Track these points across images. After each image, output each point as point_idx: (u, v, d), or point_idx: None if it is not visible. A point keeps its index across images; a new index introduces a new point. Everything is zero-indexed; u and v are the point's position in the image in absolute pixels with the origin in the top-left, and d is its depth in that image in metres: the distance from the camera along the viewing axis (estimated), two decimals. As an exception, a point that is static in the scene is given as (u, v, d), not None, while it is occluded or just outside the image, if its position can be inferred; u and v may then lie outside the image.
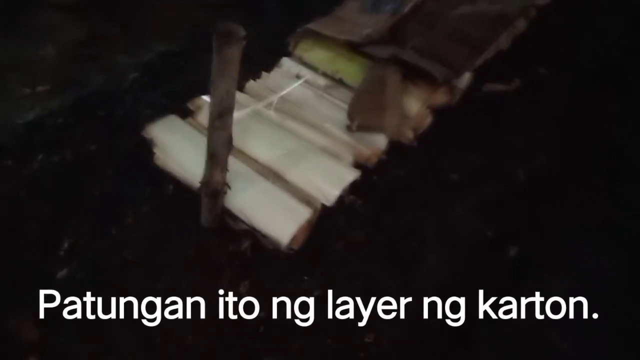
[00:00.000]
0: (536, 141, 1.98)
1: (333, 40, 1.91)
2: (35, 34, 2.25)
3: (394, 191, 1.73)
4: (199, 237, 1.56)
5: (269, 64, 2.05)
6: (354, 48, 1.90)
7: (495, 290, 1.55)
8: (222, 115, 1.33)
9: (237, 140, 1.62)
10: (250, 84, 1.85)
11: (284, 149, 1.62)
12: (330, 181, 1.58)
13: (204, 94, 1.91)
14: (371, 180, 1.73)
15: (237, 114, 1.66)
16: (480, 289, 1.56)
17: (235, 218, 1.55)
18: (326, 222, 1.60)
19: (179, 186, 1.64)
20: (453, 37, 1.97)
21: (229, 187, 1.50)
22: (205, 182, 1.46)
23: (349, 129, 1.74)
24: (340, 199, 1.63)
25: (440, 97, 1.87)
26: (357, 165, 1.71)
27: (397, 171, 1.77)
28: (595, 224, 1.81)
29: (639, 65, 2.30)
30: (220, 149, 1.39)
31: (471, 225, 1.72)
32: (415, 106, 1.79)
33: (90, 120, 1.89)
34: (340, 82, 1.89)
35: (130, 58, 2.21)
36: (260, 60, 2.08)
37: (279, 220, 1.49)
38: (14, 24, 2.27)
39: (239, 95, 1.77)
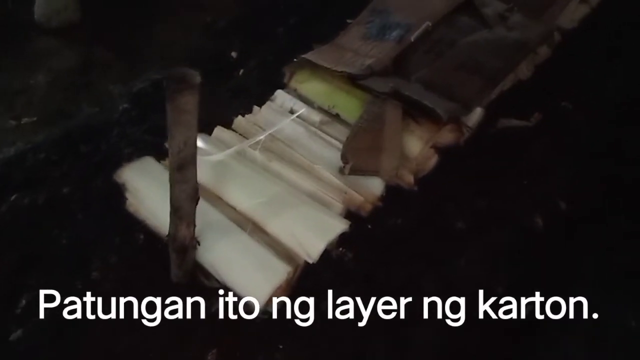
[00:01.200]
0: (556, 184, 1.77)
1: (330, 71, 1.74)
2: (26, 62, 2.17)
3: (390, 242, 1.56)
4: (168, 295, 1.41)
5: (265, 97, 1.90)
6: (353, 80, 1.73)
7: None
8: (182, 167, 1.19)
9: (215, 185, 1.49)
10: (239, 120, 1.71)
11: (266, 196, 1.47)
12: (314, 234, 1.41)
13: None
14: (364, 231, 1.56)
15: (218, 156, 1.54)
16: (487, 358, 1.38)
17: (207, 274, 1.40)
18: (310, 279, 1.44)
19: (150, 236, 1.50)
20: (464, 67, 1.79)
21: (198, 242, 1.35)
22: (172, 236, 1.32)
23: (341, 171, 1.57)
24: (327, 253, 1.47)
25: (447, 136, 1.69)
26: (349, 213, 1.54)
27: (394, 220, 1.60)
28: (621, 279, 1.59)
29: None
30: (183, 202, 1.25)
31: (477, 281, 1.53)
32: (417, 146, 1.62)
33: (72, 156, 1.78)
34: (336, 118, 1.73)
35: (124, 87, 2.10)
36: (255, 92, 1.95)
37: (254, 279, 1.33)
38: (5, 51, 2.19)
39: (225, 133, 1.64)
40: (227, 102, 1.91)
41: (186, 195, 1.24)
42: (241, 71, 2.05)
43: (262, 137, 1.62)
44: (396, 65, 1.83)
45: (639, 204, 1.78)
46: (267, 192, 1.49)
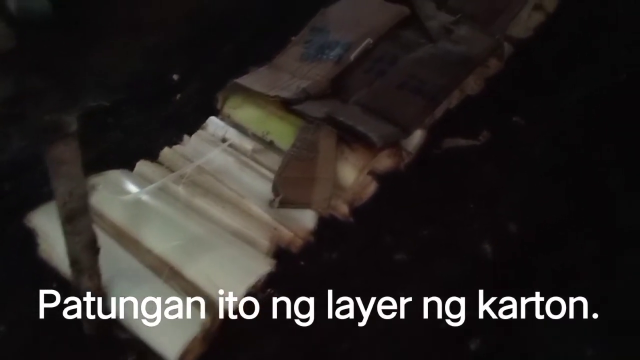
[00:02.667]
0: (507, 207, 1.67)
1: (264, 96, 1.65)
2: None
3: (324, 280, 1.46)
4: (79, 349, 1.32)
5: (201, 124, 1.80)
6: (288, 105, 1.64)
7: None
8: (71, 219, 1.09)
9: (131, 227, 1.39)
10: (165, 152, 1.62)
11: (185, 237, 1.37)
12: (234, 278, 1.32)
13: (121, 161, 1.69)
14: (295, 268, 1.46)
15: (135, 194, 1.44)
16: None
17: (122, 326, 1.30)
18: (232, 327, 1.34)
19: (64, 284, 1.40)
20: (405, 87, 1.69)
21: (105, 293, 1.26)
22: (74, 289, 1.22)
23: (271, 205, 1.48)
24: (252, 297, 1.37)
25: (385, 161, 1.59)
26: (278, 250, 1.44)
27: (329, 254, 1.50)
28: (579, 307, 1.49)
29: (635, 106, 1.96)
30: (80, 254, 1.16)
31: (421, 317, 1.43)
32: (352, 174, 1.52)
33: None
34: (271, 146, 1.64)
35: (57, 117, 2.00)
36: (191, 119, 1.85)
37: (166, 331, 1.24)
38: None
39: (148, 168, 1.55)
40: (160, 131, 1.81)
41: (82, 246, 1.14)
42: (178, 96, 1.95)
43: (186, 170, 1.52)
44: (335, 87, 1.73)
45: (599, 224, 1.68)
46: (186, 233, 1.39)
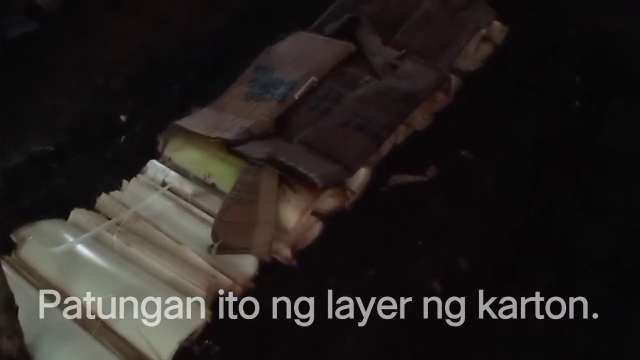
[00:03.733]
0: (456, 242, 1.64)
1: (206, 138, 1.61)
2: None
3: (265, 328, 1.41)
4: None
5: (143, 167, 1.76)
6: (229, 147, 1.60)
7: None
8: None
9: (61, 280, 1.34)
10: (102, 199, 1.57)
11: (118, 288, 1.32)
12: (166, 331, 1.26)
13: (61, 209, 1.64)
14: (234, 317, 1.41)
15: (66, 245, 1.39)
16: None
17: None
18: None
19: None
20: (349, 125, 1.67)
21: (28, 354, 1.20)
22: (-6, 350, 1.16)
23: (209, 251, 1.43)
24: (187, 351, 1.31)
25: (329, 202, 1.56)
26: (216, 299, 1.39)
27: (270, 301, 1.45)
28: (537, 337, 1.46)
29: (587, 135, 1.96)
30: (-4, 315, 1.10)
31: (368, 363, 1.39)
32: (294, 217, 1.49)
33: None
34: (213, 189, 1.60)
35: (1, 162, 1.95)
36: (134, 162, 1.80)
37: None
38: None
39: (82, 216, 1.50)
40: (102, 176, 1.76)
41: (-3, 307, 1.09)
42: (123, 138, 1.91)
43: (121, 217, 1.47)
44: (279, 126, 1.71)
45: (552, 253, 1.66)
46: (119, 284, 1.34)
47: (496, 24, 2.04)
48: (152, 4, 2.51)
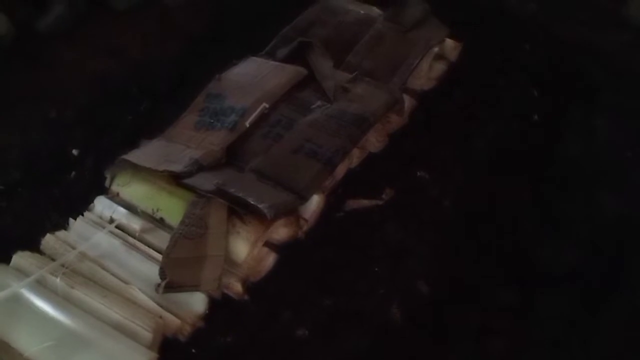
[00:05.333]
0: (414, 266, 1.62)
1: (153, 171, 1.57)
2: None
3: (216, 368, 1.37)
4: None
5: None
6: (178, 179, 1.57)
7: None
8: None
9: (1, 329, 1.28)
10: (47, 239, 1.52)
11: (60, 335, 1.27)
12: (110, 378, 1.21)
13: (5, 252, 1.58)
14: (187, 358, 1.37)
15: (8, 291, 1.34)
16: None
17: None
18: None
19: None
20: (301, 151, 1.65)
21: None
22: None
23: (156, 290, 1.39)
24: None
25: (281, 231, 1.53)
26: (164, 341, 1.35)
27: (222, 338, 1.41)
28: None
29: (546, 148, 1.96)
30: None
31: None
32: (244, 249, 1.45)
33: None
34: (161, 223, 1.55)
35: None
36: (82, 200, 1.75)
37: None
38: None
39: (25, 260, 1.45)
40: (48, 215, 1.71)
41: None
42: (73, 173, 1.86)
43: (66, 258, 1.43)
44: (230, 156, 1.67)
45: (514, 270, 1.65)
46: (61, 330, 1.29)
47: (449, 42, 2.03)
48: (106, 32, 2.47)
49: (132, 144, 1.84)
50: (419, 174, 1.79)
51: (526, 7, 2.50)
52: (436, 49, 1.97)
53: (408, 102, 1.86)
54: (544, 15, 2.47)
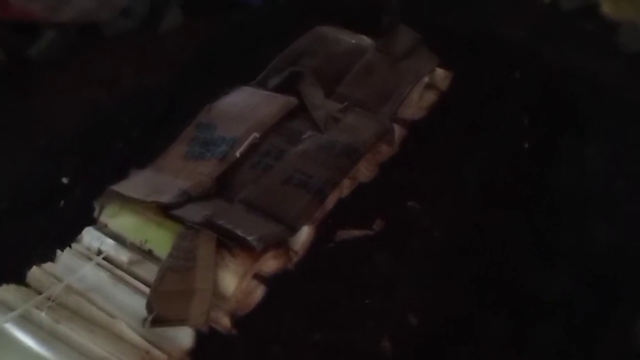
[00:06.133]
0: (405, 297, 1.60)
1: (142, 202, 1.56)
2: None
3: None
4: None
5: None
6: (166, 210, 1.55)
7: None
8: None
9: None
10: (33, 272, 1.50)
11: (43, 373, 1.24)
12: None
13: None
14: (172, 394, 1.34)
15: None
16: None
17: None
18: None
19: None
20: (291, 182, 1.64)
21: None
22: None
23: (143, 325, 1.37)
24: None
25: (271, 263, 1.51)
26: (150, 377, 1.32)
27: (208, 375, 1.39)
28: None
29: (537, 176, 1.96)
30: None
31: None
32: (232, 282, 1.43)
33: None
34: (150, 255, 1.53)
35: None
36: (71, 230, 1.73)
37: None
38: None
39: (10, 293, 1.43)
40: (35, 246, 1.69)
41: None
42: (62, 203, 1.84)
43: (52, 292, 1.41)
44: (220, 186, 1.67)
45: (507, 299, 1.63)
46: (45, 367, 1.26)
47: (440, 71, 2.04)
48: (97, 60, 2.48)
49: (122, 173, 1.83)
50: (409, 204, 1.78)
51: (516, 35, 2.52)
52: (426, 79, 1.97)
53: (398, 131, 1.86)
54: (535, 42, 2.49)
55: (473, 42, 2.33)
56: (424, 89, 2.01)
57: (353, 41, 2.12)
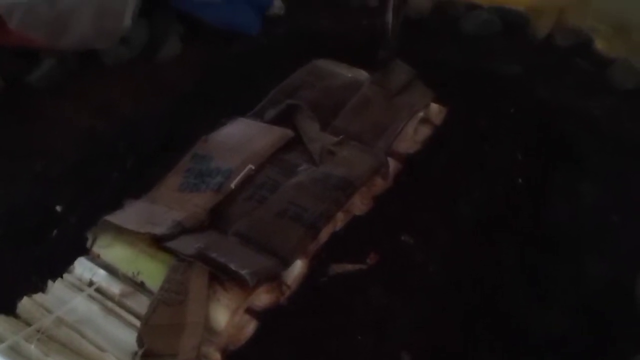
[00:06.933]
0: (398, 334, 1.59)
1: (135, 233, 1.56)
2: None
3: None
4: None
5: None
6: (159, 242, 1.55)
7: None
8: None
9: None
10: (24, 303, 1.49)
11: (30, 408, 1.22)
12: None
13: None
14: None
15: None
16: None
17: None
18: None
19: None
20: (285, 215, 1.64)
21: None
22: None
23: (133, 359, 1.35)
24: None
25: (263, 297, 1.51)
26: (138, 413, 1.30)
27: (198, 412, 1.37)
28: None
29: (531, 212, 1.96)
30: None
31: None
32: (224, 317, 1.42)
33: None
34: (142, 287, 1.52)
35: None
36: (63, 260, 1.72)
37: None
38: None
39: (0, 324, 1.41)
40: (27, 276, 1.68)
41: None
42: (55, 231, 1.84)
43: (42, 323, 1.40)
44: (214, 218, 1.66)
45: (503, 339, 1.62)
46: (31, 403, 1.24)
47: (434, 106, 2.06)
48: (96, 88, 2.49)
49: (117, 202, 1.83)
50: (403, 238, 1.78)
51: (511, 70, 2.55)
52: (421, 113, 1.99)
53: (393, 165, 1.87)
54: (529, 78, 2.52)
55: (468, 77, 2.35)
56: (418, 123, 2.02)
57: (349, 75, 2.14)
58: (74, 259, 1.69)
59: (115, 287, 1.53)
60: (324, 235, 1.69)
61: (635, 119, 2.33)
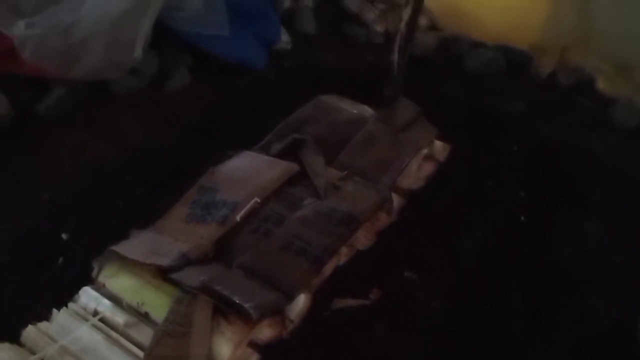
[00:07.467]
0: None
1: (141, 264, 1.57)
2: None
3: None
4: None
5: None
6: (165, 273, 1.56)
7: None
8: None
9: None
10: (28, 331, 1.49)
11: None
12: None
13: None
14: None
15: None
16: None
17: None
18: None
19: None
20: (290, 248, 1.65)
21: None
22: None
23: (136, 392, 1.35)
24: None
25: (266, 331, 1.51)
26: None
27: None
28: None
29: (534, 250, 1.97)
30: None
31: None
32: (227, 350, 1.43)
33: None
34: (146, 318, 1.53)
35: None
36: (68, 289, 1.73)
37: None
38: None
39: (5, 352, 1.41)
40: (32, 304, 1.69)
41: None
42: (60, 260, 1.85)
43: (46, 352, 1.40)
44: (219, 250, 1.68)
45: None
46: None
47: (438, 143, 2.09)
48: (105, 117, 2.52)
49: (123, 232, 1.84)
50: (406, 274, 1.78)
51: (514, 108, 2.58)
52: (425, 150, 2.01)
53: (397, 200, 1.89)
54: (532, 116, 2.55)
55: (471, 114, 2.39)
56: (422, 160, 2.05)
57: (355, 111, 2.17)
58: (79, 288, 1.70)
59: (119, 317, 1.54)
60: (328, 269, 1.70)
61: (638, 156, 2.36)
